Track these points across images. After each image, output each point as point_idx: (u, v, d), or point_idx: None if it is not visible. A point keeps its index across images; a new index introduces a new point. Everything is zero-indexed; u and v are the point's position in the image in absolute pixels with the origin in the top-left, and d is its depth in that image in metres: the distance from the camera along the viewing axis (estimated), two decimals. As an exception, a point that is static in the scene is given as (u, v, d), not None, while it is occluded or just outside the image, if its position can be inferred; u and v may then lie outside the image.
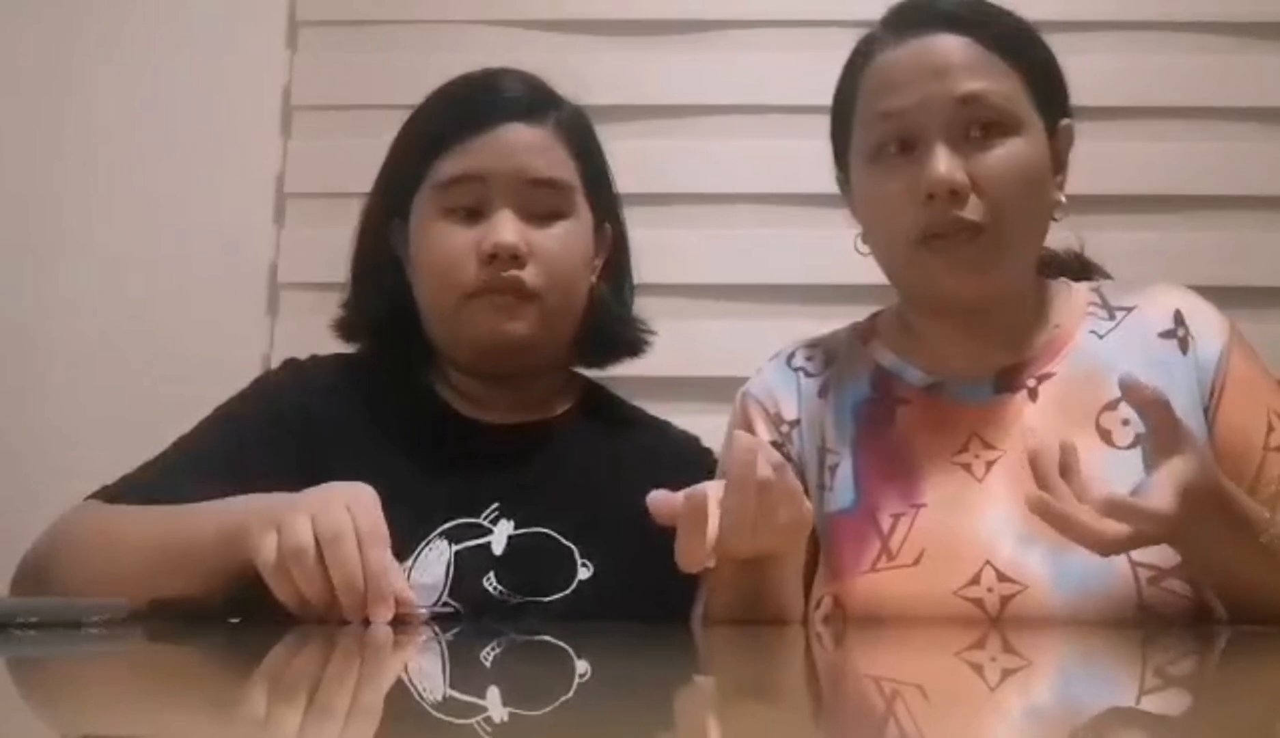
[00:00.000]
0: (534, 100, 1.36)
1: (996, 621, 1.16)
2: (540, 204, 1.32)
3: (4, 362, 2.13)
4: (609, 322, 1.40)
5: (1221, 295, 1.98)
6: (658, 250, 2.09)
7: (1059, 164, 1.29)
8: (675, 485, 1.31)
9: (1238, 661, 0.97)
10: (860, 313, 1.41)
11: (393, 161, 1.39)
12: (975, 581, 1.18)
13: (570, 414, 1.41)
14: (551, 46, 2.20)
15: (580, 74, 2.14)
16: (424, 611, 1.15)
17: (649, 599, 1.23)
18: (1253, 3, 2.19)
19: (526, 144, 1.32)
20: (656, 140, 2.17)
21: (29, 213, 2.20)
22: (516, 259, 1.29)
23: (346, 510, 1.07)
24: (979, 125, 1.22)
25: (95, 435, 1.95)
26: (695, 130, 2.19)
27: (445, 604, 1.24)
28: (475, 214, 1.31)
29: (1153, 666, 0.92)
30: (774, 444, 1.29)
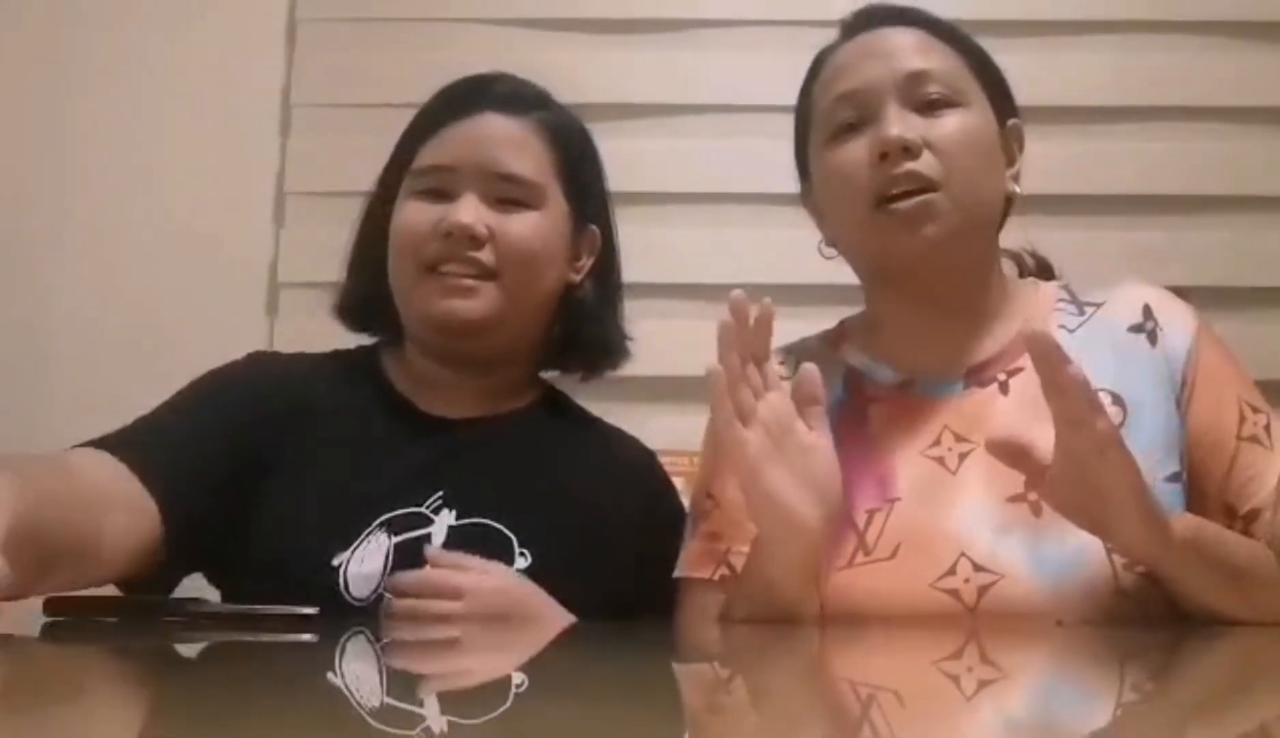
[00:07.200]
0: (518, 96, 1.38)
1: (974, 611, 1.17)
2: (507, 193, 1.33)
3: (4, 361, 2.13)
4: (589, 323, 1.40)
5: (1221, 295, 2.00)
6: (655, 250, 2.11)
7: (1010, 158, 1.32)
8: (621, 489, 1.37)
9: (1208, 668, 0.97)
10: (848, 313, 1.41)
11: (392, 153, 1.41)
12: (951, 572, 1.18)
13: (526, 411, 1.42)
14: (548, 45, 2.21)
15: (577, 72, 2.16)
16: None
17: (590, 598, 1.25)
18: (1253, 3, 2.18)
19: (500, 136, 1.34)
20: (659, 139, 2.17)
21: (27, 212, 2.20)
22: (474, 240, 1.30)
23: None
24: (928, 99, 1.26)
25: (93, 434, 1.95)
26: (695, 129, 2.19)
27: (382, 594, 1.24)
28: (444, 196, 1.33)
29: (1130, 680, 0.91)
30: None
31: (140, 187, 2.20)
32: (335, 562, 1.24)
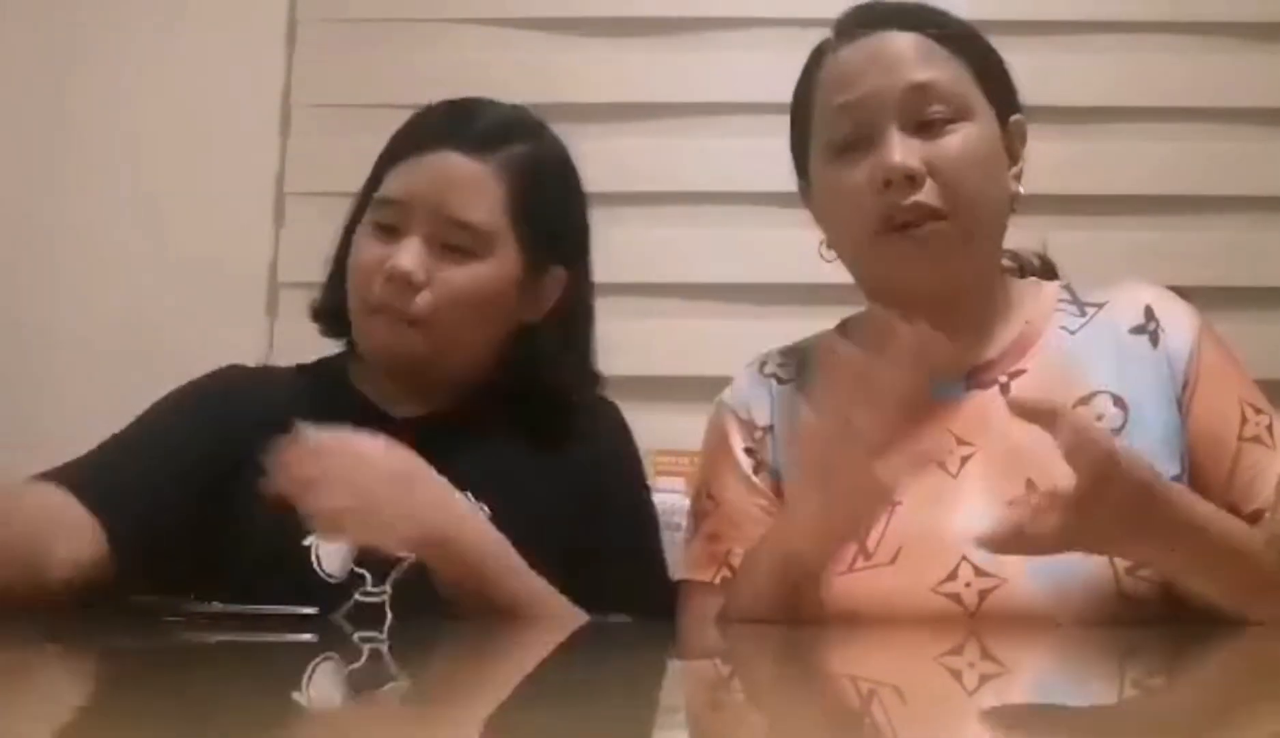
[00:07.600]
0: (485, 134, 1.37)
1: (975, 615, 1.16)
2: (453, 239, 1.34)
3: (3, 361, 2.13)
4: (544, 366, 1.41)
5: (1221, 295, 2.00)
6: (655, 250, 2.11)
7: (1013, 157, 1.32)
8: (584, 446, 1.40)
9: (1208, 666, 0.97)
10: (848, 313, 1.41)
11: (371, 170, 1.43)
12: (952, 576, 1.18)
13: (496, 407, 1.42)
14: (548, 45, 2.21)
15: (577, 72, 2.17)
16: None
17: (553, 550, 1.27)
18: (1253, 3, 2.18)
19: (455, 178, 1.35)
20: (659, 139, 2.17)
21: (26, 211, 2.20)
22: (411, 286, 1.32)
23: None
24: (931, 114, 1.25)
25: (93, 435, 1.94)
26: (695, 129, 2.19)
27: (355, 571, 1.27)
28: (395, 233, 1.35)
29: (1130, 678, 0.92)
30: (748, 451, 1.31)
31: (139, 187, 2.20)
32: (306, 542, 1.27)
